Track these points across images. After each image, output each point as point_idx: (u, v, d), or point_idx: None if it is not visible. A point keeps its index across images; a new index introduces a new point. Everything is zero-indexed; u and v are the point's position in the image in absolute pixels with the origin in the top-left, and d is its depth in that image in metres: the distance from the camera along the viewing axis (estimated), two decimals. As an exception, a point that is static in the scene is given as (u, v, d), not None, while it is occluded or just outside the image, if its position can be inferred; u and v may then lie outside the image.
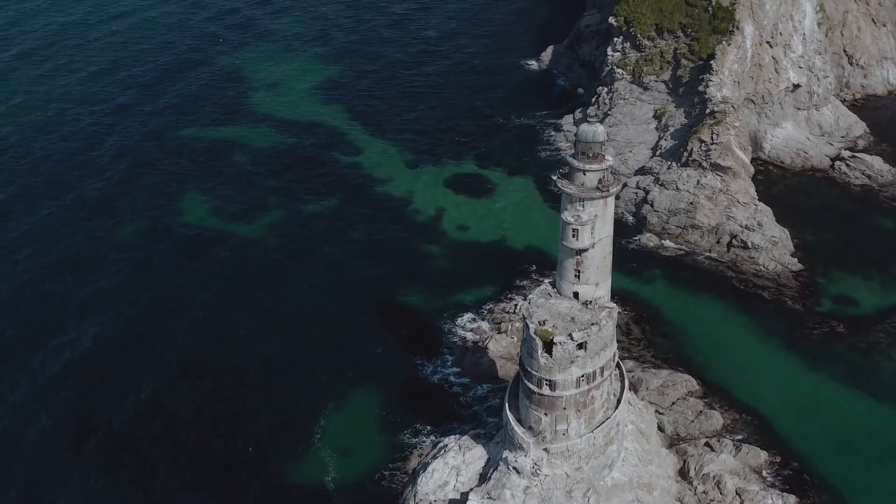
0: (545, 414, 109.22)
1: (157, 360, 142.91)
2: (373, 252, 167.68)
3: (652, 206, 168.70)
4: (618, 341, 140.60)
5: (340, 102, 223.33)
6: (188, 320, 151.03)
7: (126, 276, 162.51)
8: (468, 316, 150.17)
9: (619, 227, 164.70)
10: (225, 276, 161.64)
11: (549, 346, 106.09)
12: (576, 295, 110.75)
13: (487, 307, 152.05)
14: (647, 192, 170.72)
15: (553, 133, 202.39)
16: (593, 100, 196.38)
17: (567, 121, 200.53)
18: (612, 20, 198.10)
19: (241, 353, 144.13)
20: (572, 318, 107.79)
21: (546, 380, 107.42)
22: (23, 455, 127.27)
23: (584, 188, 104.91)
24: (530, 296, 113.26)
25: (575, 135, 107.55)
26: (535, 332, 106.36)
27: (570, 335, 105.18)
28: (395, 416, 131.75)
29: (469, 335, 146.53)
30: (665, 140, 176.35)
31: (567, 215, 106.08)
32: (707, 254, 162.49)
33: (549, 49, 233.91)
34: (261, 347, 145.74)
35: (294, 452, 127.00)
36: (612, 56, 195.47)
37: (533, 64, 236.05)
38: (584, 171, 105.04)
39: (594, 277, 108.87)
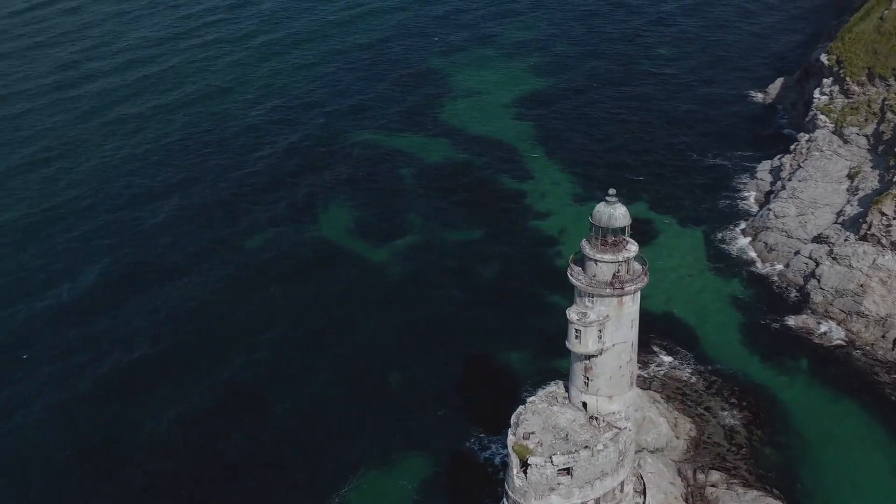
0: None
1: (203, 380, 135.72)
2: (494, 296, 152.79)
3: (819, 281, 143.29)
4: (717, 445, 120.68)
5: (532, 120, 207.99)
6: (258, 342, 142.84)
7: (229, 285, 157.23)
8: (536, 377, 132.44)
9: (778, 301, 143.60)
10: (324, 301, 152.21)
11: (526, 465, 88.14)
12: (585, 405, 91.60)
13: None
14: (817, 265, 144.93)
15: (746, 179, 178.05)
16: (792, 147, 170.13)
17: (763, 167, 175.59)
18: (823, 58, 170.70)
19: (298, 390, 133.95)
20: (566, 436, 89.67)
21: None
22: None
23: (595, 281, 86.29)
24: (531, 398, 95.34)
25: (590, 215, 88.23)
26: (512, 447, 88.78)
27: (550, 457, 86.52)
28: (422, 496, 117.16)
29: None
30: (851, 205, 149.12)
31: (571, 312, 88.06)
32: (867, 349, 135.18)
33: (779, 81, 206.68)
34: (322, 387, 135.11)
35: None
36: (819, 99, 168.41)
37: (758, 96, 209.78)
38: (595, 261, 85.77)
39: (606, 389, 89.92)
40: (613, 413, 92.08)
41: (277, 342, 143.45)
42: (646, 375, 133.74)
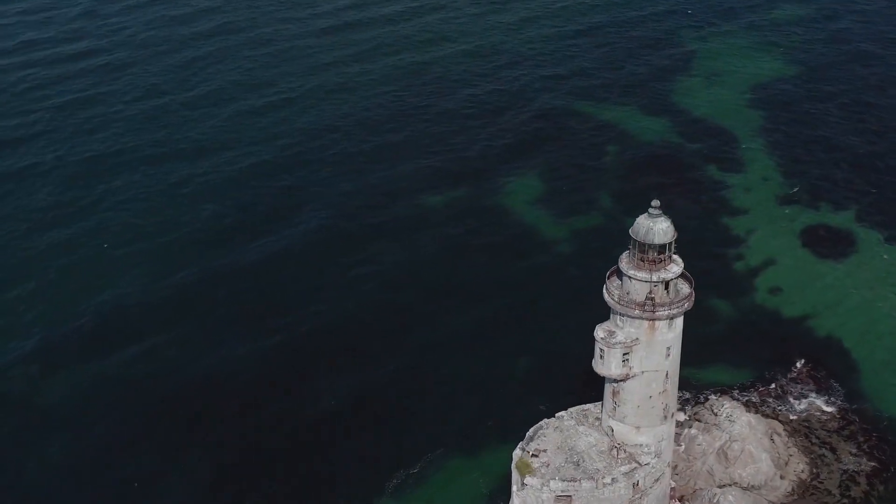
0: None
1: (372, 350, 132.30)
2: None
3: None
4: (827, 493, 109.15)
5: (765, 112, 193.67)
6: (424, 313, 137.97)
7: (390, 251, 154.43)
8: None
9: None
10: (488, 275, 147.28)
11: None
12: (613, 431, 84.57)
13: (710, 394, 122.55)
14: None
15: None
16: None
17: None
18: None
19: (404, 357, 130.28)
20: (579, 461, 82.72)
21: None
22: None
23: (626, 300, 78.50)
24: (560, 413, 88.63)
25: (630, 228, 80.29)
26: (515, 462, 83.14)
27: (548, 481, 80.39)
28: (490, 487, 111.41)
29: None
30: None
31: (599, 329, 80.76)
32: None
33: None
34: (457, 362, 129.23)
35: (358, 491, 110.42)
36: None
37: None
38: (629, 278, 78.43)
39: (633, 418, 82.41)
40: (640, 445, 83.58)
41: (440, 316, 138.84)
42: (777, 405, 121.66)
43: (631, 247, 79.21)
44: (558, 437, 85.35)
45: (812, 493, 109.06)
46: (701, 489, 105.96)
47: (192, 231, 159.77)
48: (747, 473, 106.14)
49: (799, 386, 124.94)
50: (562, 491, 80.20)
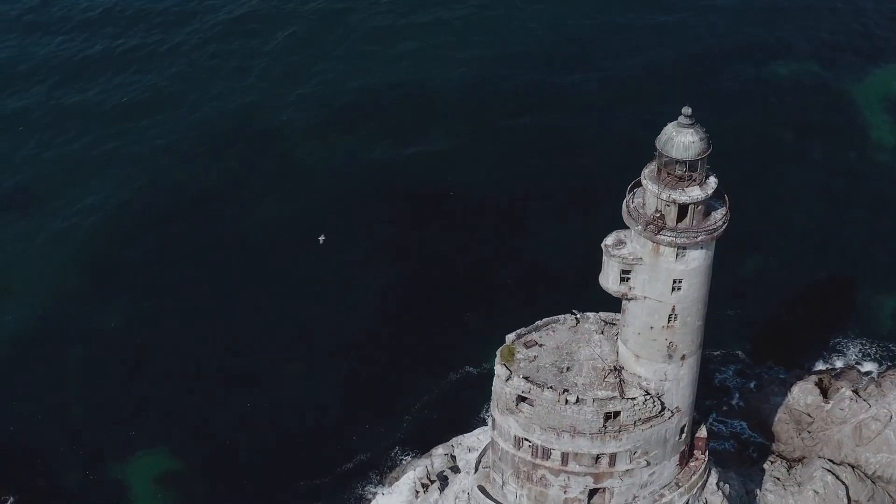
0: (491, 448, 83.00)
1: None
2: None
3: None
4: None
5: None
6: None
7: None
8: (865, 348, 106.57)
9: None
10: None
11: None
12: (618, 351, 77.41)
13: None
14: None
15: None
16: None
17: None
18: None
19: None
20: (564, 369, 76.73)
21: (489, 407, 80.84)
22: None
23: (637, 211, 69.94)
24: (590, 313, 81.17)
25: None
26: (501, 347, 78.79)
27: (511, 377, 75.82)
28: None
29: (839, 364, 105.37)
30: None
31: (611, 235, 72.98)
32: None
33: None
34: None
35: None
36: None
37: None
38: (644, 188, 69.76)
39: (633, 344, 74.47)
40: (644, 381, 73.93)
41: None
42: None
43: (656, 155, 67.43)
44: (566, 336, 77.27)
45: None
46: (820, 458, 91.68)
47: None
48: (876, 461, 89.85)
49: None
50: (519, 390, 73.65)
